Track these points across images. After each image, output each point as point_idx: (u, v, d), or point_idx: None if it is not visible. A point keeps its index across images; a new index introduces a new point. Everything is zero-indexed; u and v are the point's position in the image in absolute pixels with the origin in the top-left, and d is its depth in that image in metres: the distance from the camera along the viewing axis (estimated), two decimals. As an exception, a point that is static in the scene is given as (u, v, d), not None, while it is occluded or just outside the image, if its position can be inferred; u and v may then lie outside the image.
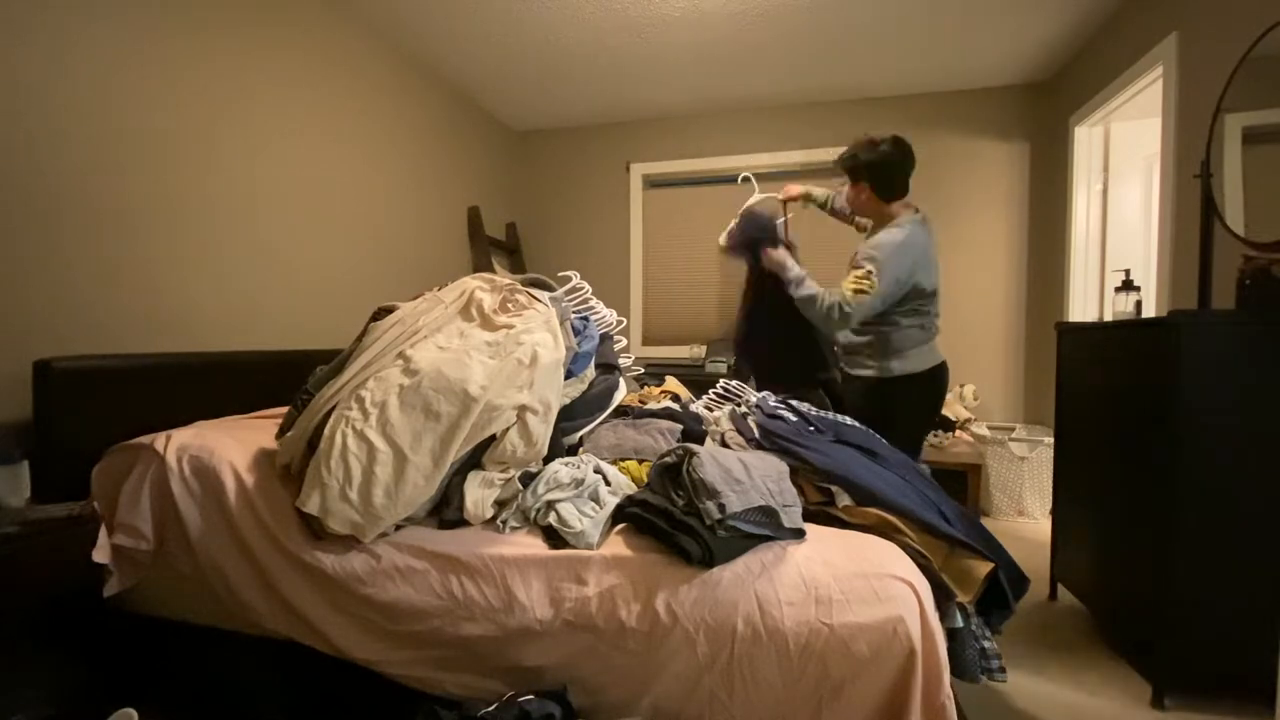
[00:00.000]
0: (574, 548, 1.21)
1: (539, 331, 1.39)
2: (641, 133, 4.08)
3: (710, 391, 2.08)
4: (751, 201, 2.46)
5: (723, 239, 2.44)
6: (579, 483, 1.32)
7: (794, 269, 2.11)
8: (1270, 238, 1.78)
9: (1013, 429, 3.41)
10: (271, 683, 1.37)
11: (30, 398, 1.49)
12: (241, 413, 1.80)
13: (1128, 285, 2.17)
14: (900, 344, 2.05)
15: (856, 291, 1.94)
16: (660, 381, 2.42)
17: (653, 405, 1.92)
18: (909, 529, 1.25)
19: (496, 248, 3.88)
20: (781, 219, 2.40)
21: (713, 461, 1.23)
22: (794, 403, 1.83)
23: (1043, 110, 3.45)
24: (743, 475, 1.22)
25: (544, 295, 1.55)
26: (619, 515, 1.28)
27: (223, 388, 1.88)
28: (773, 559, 1.13)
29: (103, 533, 1.37)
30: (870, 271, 1.95)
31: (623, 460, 1.52)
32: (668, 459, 1.30)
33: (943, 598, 1.17)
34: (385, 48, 2.93)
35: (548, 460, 1.41)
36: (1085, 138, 3.10)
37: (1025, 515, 3.19)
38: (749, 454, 1.39)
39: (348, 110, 2.69)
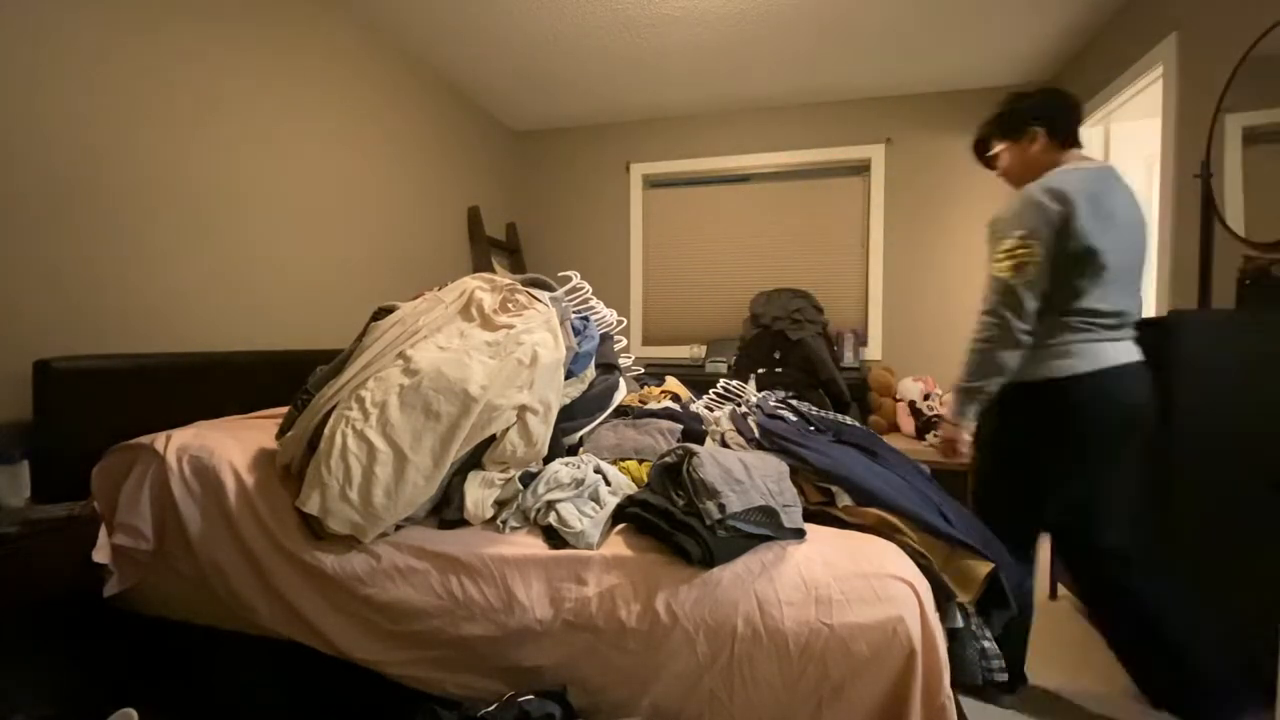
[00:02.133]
0: (574, 548, 1.21)
1: (539, 331, 1.39)
2: (641, 133, 4.08)
3: (710, 391, 2.08)
4: None
5: None
6: (579, 483, 1.32)
7: (953, 408, 1.58)
8: (1270, 238, 1.78)
9: (1013, 429, 3.41)
10: (271, 683, 1.37)
11: (30, 398, 1.49)
12: (241, 413, 1.80)
13: (1128, 285, 2.17)
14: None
15: (993, 276, 1.52)
16: (660, 381, 2.42)
17: (653, 405, 1.91)
18: (909, 529, 1.25)
19: (496, 248, 3.88)
20: None
21: (713, 461, 1.23)
22: (794, 402, 1.83)
23: (1043, 110, 3.45)
24: (743, 475, 1.22)
25: (544, 295, 1.55)
26: (619, 515, 1.28)
27: (223, 388, 1.88)
28: (773, 559, 1.13)
29: (103, 533, 1.37)
30: (1018, 232, 1.50)
31: (623, 460, 1.52)
32: (668, 459, 1.30)
33: (943, 598, 1.17)
34: (386, 47, 2.93)
35: (548, 460, 1.41)
36: (1085, 138, 3.09)
37: (1025, 515, 3.18)
38: (749, 454, 1.39)
39: (347, 110, 2.69)
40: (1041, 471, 1.56)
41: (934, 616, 1.07)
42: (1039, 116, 1.65)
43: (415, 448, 1.23)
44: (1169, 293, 2.31)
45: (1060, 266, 1.48)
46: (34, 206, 1.59)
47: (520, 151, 4.29)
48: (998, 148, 1.75)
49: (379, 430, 1.23)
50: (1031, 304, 1.48)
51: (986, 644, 1.24)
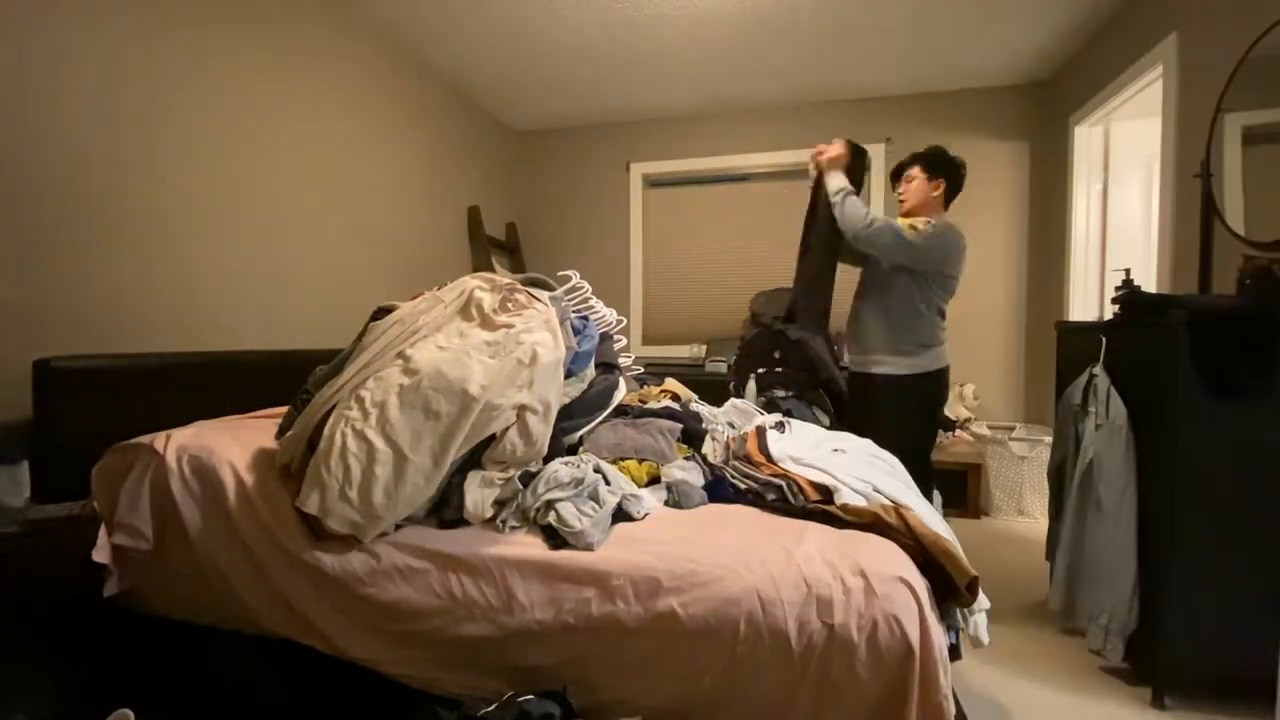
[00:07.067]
0: (574, 547, 1.21)
1: (539, 331, 1.39)
2: (641, 133, 4.08)
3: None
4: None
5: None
6: (579, 482, 1.32)
7: (843, 180, 2.14)
8: (1270, 237, 1.78)
9: (1013, 429, 3.41)
10: (271, 683, 1.37)
11: (30, 398, 1.49)
12: (241, 413, 1.80)
13: (1128, 285, 2.17)
14: (930, 338, 2.12)
15: (910, 228, 2.03)
16: (660, 382, 2.41)
17: (653, 405, 1.92)
18: (905, 526, 1.24)
19: (496, 248, 3.88)
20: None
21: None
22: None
23: (1043, 110, 3.45)
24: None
25: (544, 295, 1.54)
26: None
27: (223, 388, 1.88)
28: (773, 558, 1.13)
29: (103, 533, 1.37)
30: (929, 221, 2.05)
31: (622, 459, 1.52)
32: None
33: (943, 597, 1.17)
34: (386, 48, 2.93)
35: (548, 460, 1.41)
36: (1085, 138, 3.10)
37: (1025, 515, 3.19)
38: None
39: (348, 110, 2.69)
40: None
41: (932, 616, 1.07)
42: (951, 173, 2.18)
43: (415, 447, 1.23)
44: (1169, 291, 2.31)
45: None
46: (34, 207, 1.60)
47: (520, 151, 4.29)
48: (918, 175, 2.21)
49: (378, 430, 1.23)
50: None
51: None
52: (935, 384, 2.15)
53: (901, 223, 2.06)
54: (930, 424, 2.24)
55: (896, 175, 2.30)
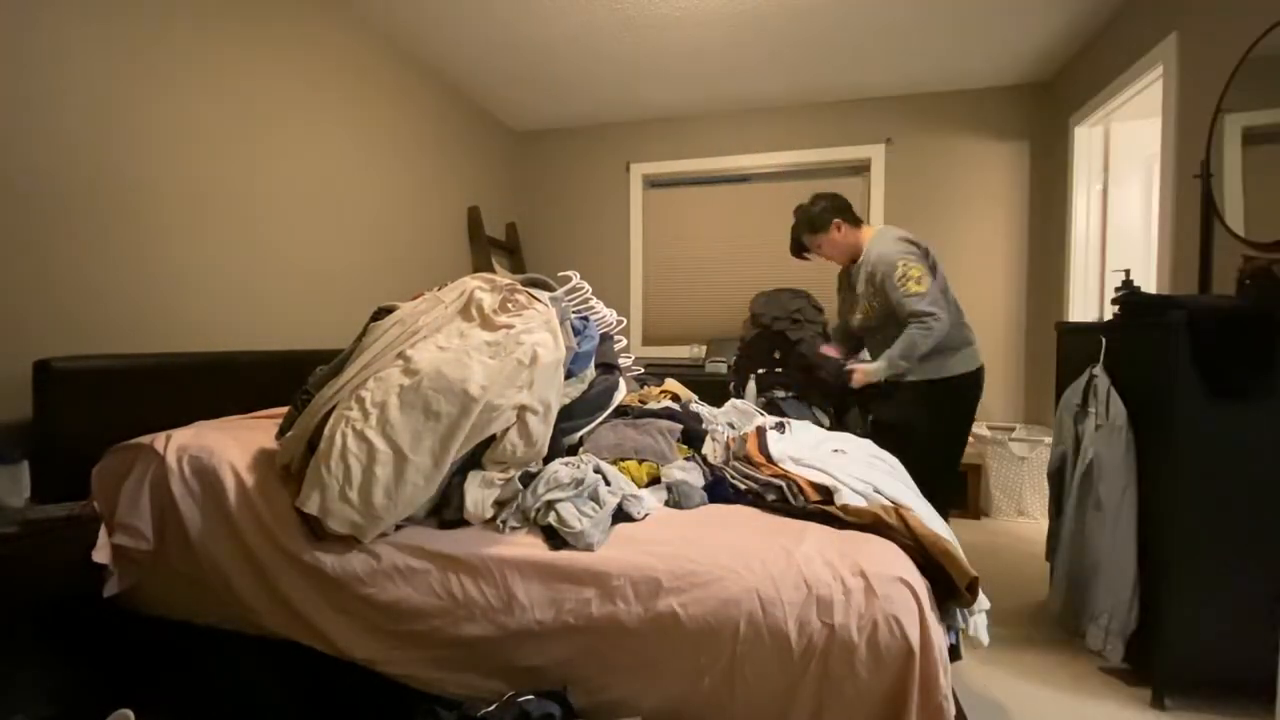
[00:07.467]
0: (574, 548, 1.21)
1: (539, 331, 1.39)
2: (641, 133, 4.08)
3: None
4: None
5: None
6: (579, 482, 1.32)
7: (879, 368, 2.15)
8: (1270, 238, 1.78)
9: (1013, 429, 3.41)
10: (271, 683, 1.37)
11: (30, 398, 1.49)
12: (241, 413, 1.80)
13: (1128, 285, 2.17)
14: (954, 339, 2.11)
15: (917, 293, 2.03)
16: (660, 382, 2.42)
17: (652, 405, 1.92)
18: (905, 527, 1.24)
19: (496, 248, 3.88)
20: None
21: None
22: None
23: (1043, 110, 3.45)
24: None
25: (544, 295, 1.54)
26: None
27: (223, 388, 1.88)
28: (773, 558, 1.13)
29: (103, 533, 1.37)
30: (908, 278, 2.04)
31: (623, 460, 1.53)
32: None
33: (943, 597, 1.17)
34: (385, 48, 2.93)
35: (548, 460, 1.41)
36: (1085, 138, 3.10)
37: (1025, 515, 3.19)
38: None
39: (348, 110, 2.69)
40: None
41: (933, 617, 1.07)
42: (838, 212, 2.25)
43: (415, 448, 1.23)
44: (1169, 292, 2.31)
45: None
46: (34, 208, 1.60)
47: (520, 151, 4.29)
48: (817, 242, 2.30)
49: (379, 430, 1.23)
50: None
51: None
52: (973, 385, 2.15)
53: (907, 304, 2.05)
54: (961, 429, 2.19)
55: (799, 253, 2.38)
